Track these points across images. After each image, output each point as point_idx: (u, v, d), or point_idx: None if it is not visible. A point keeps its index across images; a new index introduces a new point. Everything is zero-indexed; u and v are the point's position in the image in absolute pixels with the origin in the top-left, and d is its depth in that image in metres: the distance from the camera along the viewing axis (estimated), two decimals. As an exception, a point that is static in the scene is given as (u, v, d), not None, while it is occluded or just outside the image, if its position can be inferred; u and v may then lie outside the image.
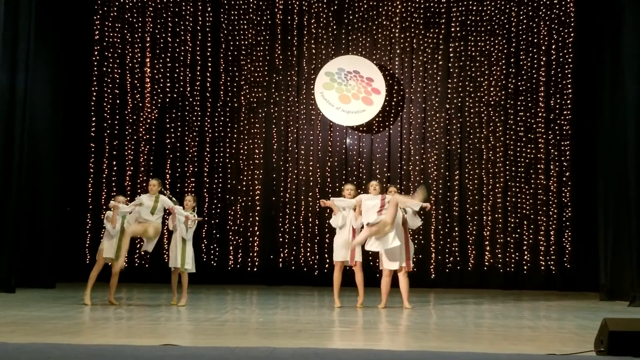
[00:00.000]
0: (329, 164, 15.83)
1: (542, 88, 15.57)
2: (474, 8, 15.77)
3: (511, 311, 11.20)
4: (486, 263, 15.43)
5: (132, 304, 11.21)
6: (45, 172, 14.10)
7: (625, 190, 12.81)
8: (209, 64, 16.00)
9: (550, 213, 15.40)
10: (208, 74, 15.99)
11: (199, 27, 16.03)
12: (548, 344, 7.63)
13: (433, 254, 15.47)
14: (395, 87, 15.87)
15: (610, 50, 13.48)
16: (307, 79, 15.97)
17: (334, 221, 11.43)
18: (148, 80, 15.95)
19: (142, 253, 14.91)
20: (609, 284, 13.20)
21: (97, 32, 15.88)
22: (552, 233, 15.34)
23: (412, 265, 11.22)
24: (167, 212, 11.33)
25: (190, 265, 11.22)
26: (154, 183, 11.14)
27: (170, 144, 15.89)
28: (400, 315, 10.46)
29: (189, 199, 11.48)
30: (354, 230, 11.26)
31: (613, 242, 13.26)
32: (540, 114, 15.54)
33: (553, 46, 15.58)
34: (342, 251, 11.31)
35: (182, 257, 11.12)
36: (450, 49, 15.83)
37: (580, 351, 7.00)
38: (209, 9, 16.04)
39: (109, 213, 11.22)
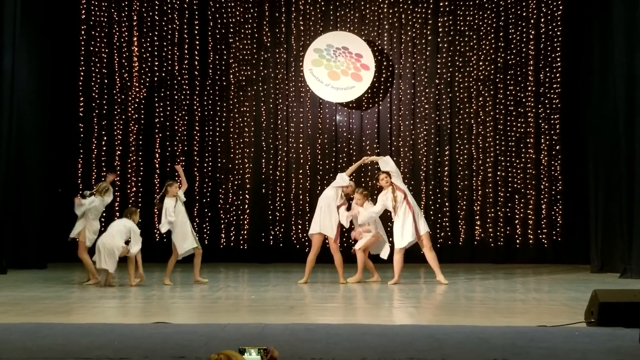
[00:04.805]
0: (319, 141, 15.78)
1: (531, 62, 15.52)
2: (463, -18, 15.69)
3: (502, 285, 11.26)
4: (477, 238, 15.45)
5: (124, 284, 11.19)
6: (34, 153, 14.00)
7: (616, 162, 12.81)
8: (197, 42, 15.87)
9: (541, 187, 15.41)
10: (196, 52, 15.87)
11: (186, 5, 15.88)
12: (539, 316, 7.68)
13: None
14: (385, 63, 15.81)
15: (599, 23, 13.42)
16: (295, 55, 15.88)
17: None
18: (136, 59, 15.83)
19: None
20: (600, 256, 13.23)
21: (83, 11, 15.71)
22: (542, 206, 15.36)
23: (423, 232, 11.32)
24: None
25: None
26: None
27: (160, 122, 15.80)
28: (392, 290, 10.49)
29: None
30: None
31: (604, 215, 13.28)
32: (529, 88, 15.51)
33: (542, 19, 15.52)
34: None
35: (193, 235, 11.20)
36: (439, 24, 15.75)
37: (571, 322, 7.06)
38: (196, -14, 15.92)
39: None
